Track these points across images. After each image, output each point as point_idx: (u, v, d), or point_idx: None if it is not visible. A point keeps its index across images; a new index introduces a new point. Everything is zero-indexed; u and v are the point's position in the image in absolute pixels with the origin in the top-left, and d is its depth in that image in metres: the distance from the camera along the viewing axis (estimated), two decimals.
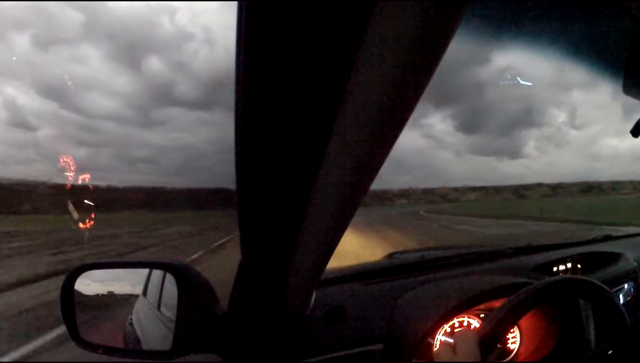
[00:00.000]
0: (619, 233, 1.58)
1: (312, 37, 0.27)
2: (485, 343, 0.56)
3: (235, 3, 0.26)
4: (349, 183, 0.39)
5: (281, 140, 0.35)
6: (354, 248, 6.44)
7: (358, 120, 0.32)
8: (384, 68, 0.28)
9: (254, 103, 0.31)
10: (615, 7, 0.54)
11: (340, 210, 0.43)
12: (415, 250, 1.49)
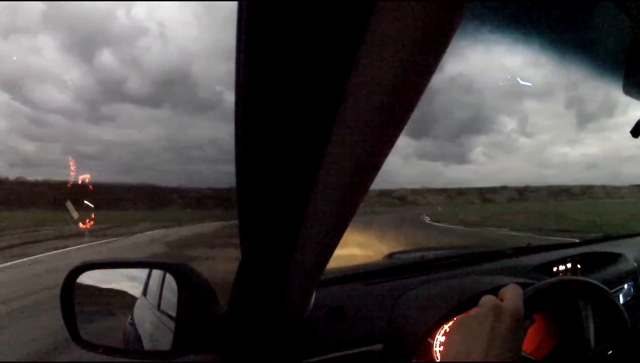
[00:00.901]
0: (620, 234, 1.58)
1: (312, 37, 0.27)
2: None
3: (235, 3, 0.26)
4: (349, 184, 0.39)
5: (281, 140, 0.35)
6: None
7: (358, 120, 0.32)
8: (384, 68, 0.28)
9: (253, 103, 0.31)
10: (615, 7, 0.54)
11: (340, 210, 0.43)
12: (415, 250, 1.49)
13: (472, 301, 0.75)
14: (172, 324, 0.66)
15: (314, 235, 0.47)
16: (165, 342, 0.64)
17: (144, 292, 0.83)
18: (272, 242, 0.49)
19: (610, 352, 0.77)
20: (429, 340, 0.73)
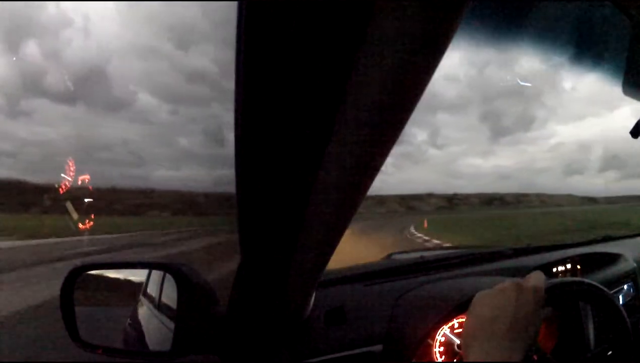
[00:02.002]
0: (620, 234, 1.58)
1: (312, 37, 0.27)
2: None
3: (235, 3, 0.26)
4: (349, 183, 0.39)
5: (281, 140, 0.35)
6: None
7: (358, 120, 0.32)
8: (384, 68, 0.28)
9: (253, 103, 0.31)
10: (615, 8, 0.54)
11: (340, 210, 0.43)
12: (415, 251, 1.49)
13: (472, 301, 0.75)
14: (172, 324, 0.65)
15: (314, 235, 0.47)
16: (165, 342, 0.64)
17: (144, 293, 0.83)
18: (272, 242, 0.49)
19: (610, 352, 0.77)
20: (429, 340, 0.73)
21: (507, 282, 0.54)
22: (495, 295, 0.52)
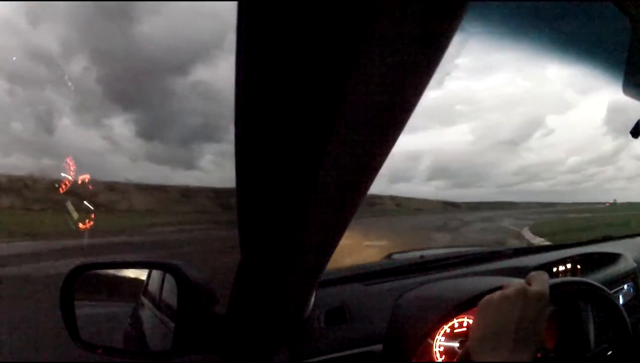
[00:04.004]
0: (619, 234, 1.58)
1: (312, 37, 0.27)
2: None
3: (235, 3, 0.26)
4: (349, 183, 0.39)
5: (281, 140, 0.35)
6: None
7: (358, 120, 0.32)
8: (384, 68, 0.28)
9: (254, 103, 0.31)
10: (615, 7, 0.54)
11: (340, 210, 0.43)
12: (415, 251, 1.49)
13: (472, 301, 0.75)
14: (172, 324, 0.66)
15: (314, 235, 0.47)
16: (165, 342, 0.64)
17: (144, 292, 0.83)
18: (272, 242, 0.49)
19: (610, 352, 0.77)
20: (429, 340, 0.73)
21: (512, 287, 0.53)
22: (500, 302, 0.52)
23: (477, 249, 1.35)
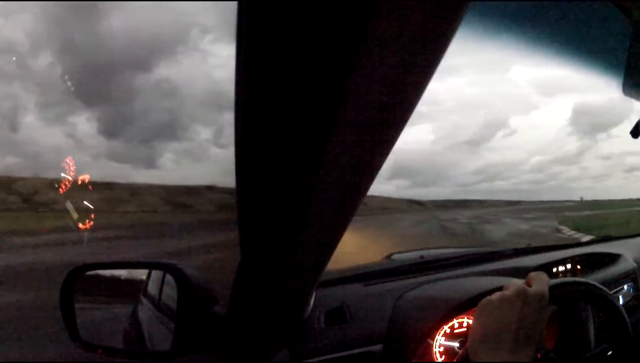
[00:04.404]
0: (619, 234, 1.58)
1: (313, 37, 0.27)
2: None
3: (235, 3, 0.26)
4: (349, 183, 0.39)
5: (281, 140, 0.35)
6: None
7: (358, 120, 0.32)
8: (384, 68, 0.28)
9: (254, 103, 0.31)
10: (615, 7, 0.54)
11: (340, 210, 0.43)
12: (415, 251, 1.49)
13: (472, 301, 0.75)
14: (172, 324, 0.65)
15: (314, 235, 0.47)
16: (165, 342, 0.64)
17: (144, 292, 0.83)
18: (272, 242, 0.49)
19: (610, 352, 0.77)
20: (429, 340, 0.73)
21: (512, 288, 0.53)
22: (500, 303, 0.52)
23: (477, 249, 1.35)
